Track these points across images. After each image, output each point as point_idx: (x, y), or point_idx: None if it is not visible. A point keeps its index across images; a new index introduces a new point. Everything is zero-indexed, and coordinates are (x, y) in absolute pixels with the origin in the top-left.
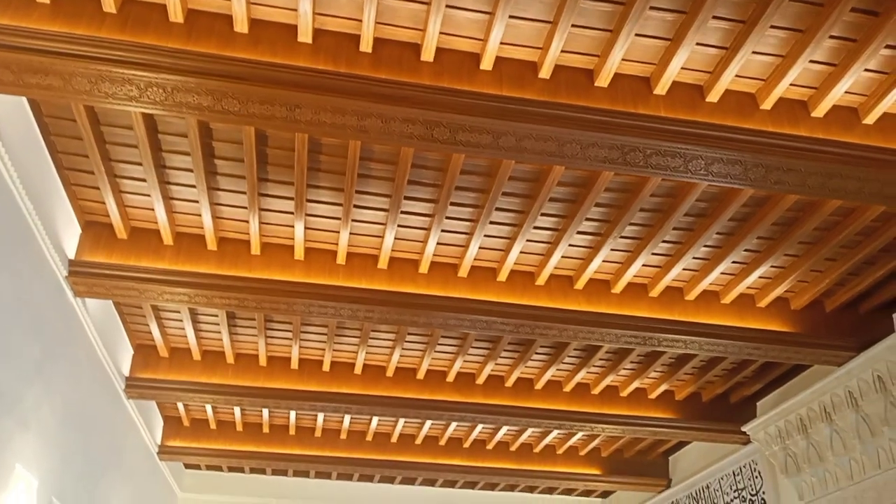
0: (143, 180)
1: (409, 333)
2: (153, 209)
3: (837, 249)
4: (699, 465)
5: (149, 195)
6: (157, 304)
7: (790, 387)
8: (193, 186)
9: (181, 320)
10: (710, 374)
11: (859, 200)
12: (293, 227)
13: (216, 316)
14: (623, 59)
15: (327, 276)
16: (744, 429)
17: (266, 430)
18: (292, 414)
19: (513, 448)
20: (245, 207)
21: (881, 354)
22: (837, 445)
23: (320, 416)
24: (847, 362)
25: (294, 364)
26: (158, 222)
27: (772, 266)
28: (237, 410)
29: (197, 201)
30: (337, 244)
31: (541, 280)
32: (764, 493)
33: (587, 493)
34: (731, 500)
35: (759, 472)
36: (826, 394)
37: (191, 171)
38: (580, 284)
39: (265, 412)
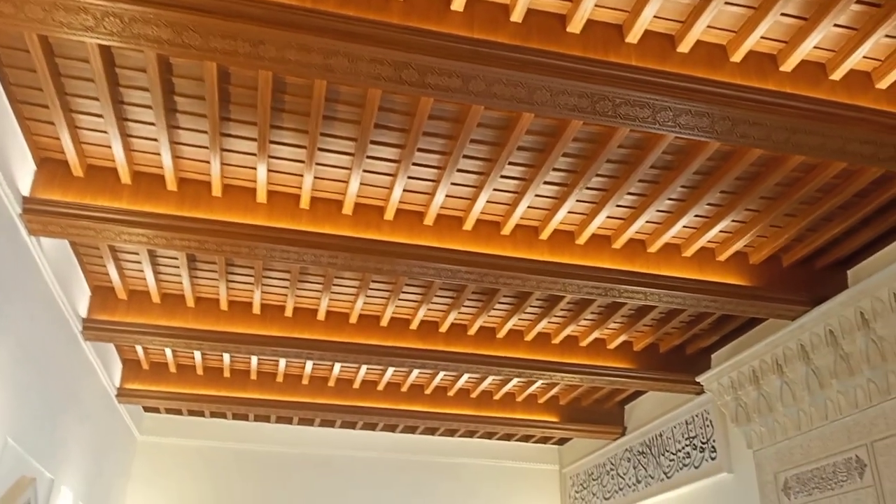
0: (100, 116)
1: (373, 281)
2: (110, 147)
3: (797, 205)
4: (653, 414)
5: (106, 132)
6: (115, 244)
7: (744, 339)
8: (152, 124)
9: (140, 262)
10: (668, 326)
11: (822, 156)
12: (255, 169)
13: (176, 259)
14: (596, 5)
15: (290, 220)
16: (698, 379)
17: (227, 374)
18: (254, 359)
19: (473, 395)
20: (206, 147)
21: (834, 310)
22: (787, 397)
23: (282, 362)
24: (800, 316)
25: (256, 309)
26: (116, 160)
27: (733, 220)
28: (197, 354)
29: (156, 140)
30: (301, 188)
31: (506, 230)
32: (714, 441)
33: (544, 440)
34: (683, 448)
35: (711, 422)
36: (779, 347)
37: (150, 108)
38: (545, 235)
39: (226, 357)
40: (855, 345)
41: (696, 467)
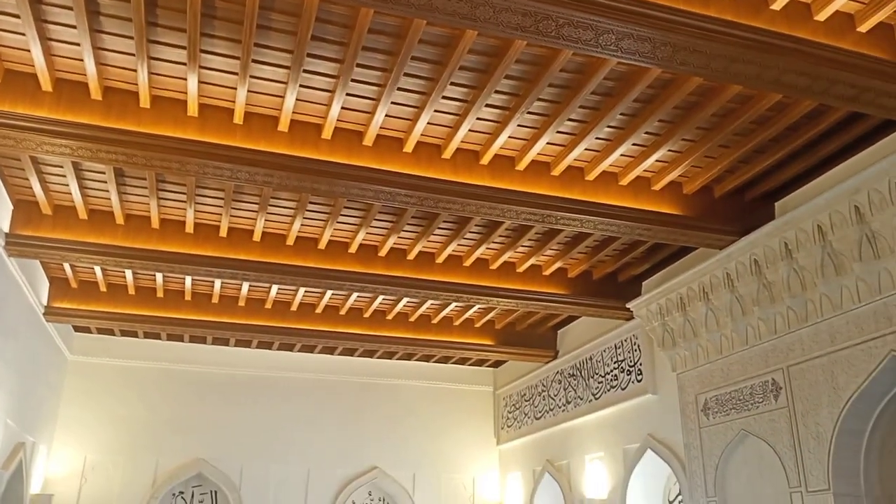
0: (17, 17)
1: (311, 202)
2: (29, 51)
3: (731, 137)
4: (585, 339)
5: (23, 34)
6: (37, 155)
7: (674, 268)
8: (74, 27)
9: (64, 175)
10: (602, 254)
11: (758, 87)
12: (186, 79)
13: (103, 173)
14: None
15: (223, 135)
16: (628, 306)
17: (160, 294)
18: (187, 279)
19: (412, 319)
20: (132, 54)
21: (760, 240)
22: (711, 323)
23: (217, 283)
24: (728, 246)
25: (189, 228)
26: (35, 65)
27: (669, 150)
28: (128, 273)
29: (78, 44)
30: (234, 102)
31: (447, 153)
32: (641, 364)
33: (480, 363)
34: (611, 371)
35: (638, 346)
36: (706, 275)
37: (70, 8)
38: (486, 160)
39: (159, 276)
40: (778, 274)
41: (622, 389)
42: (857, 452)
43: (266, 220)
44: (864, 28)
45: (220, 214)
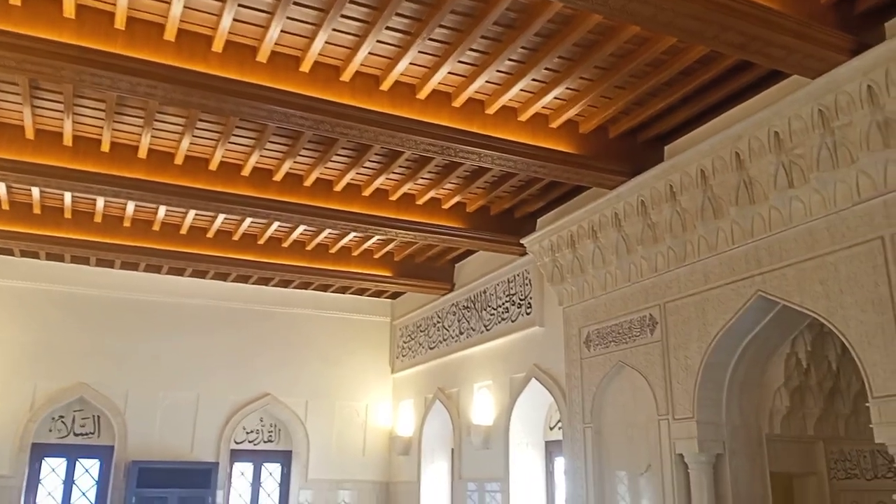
0: None
1: (201, 119)
2: None
3: (627, 78)
4: (480, 273)
5: None
6: None
7: (567, 206)
8: None
9: None
10: (500, 190)
11: (652, 28)
12: None
13: None
14: None
15: (103, 41)
16: (522, 241)
17: (38, 210)
18: (67, 195)
19: (309, 247)
20: None
21: (648, 182)
22: (598, 260)
23: (100, 201)
24: (618, 186)
25: (67, 140)
26: None
27: (567, 88)
28: (2, 187)
29: None
30: (115, 4)
31: (346, 76)
32: (531, 298)
33: (378, 294)
34: (503, 304)
35: (529, 281)
36: (596, 214)
37: None
38: (386, 86)
39: (35, 191)
40: (662, 215)
41: (512, 321)
42: (720, 384)
43: (152, 136)
44: None
45: (102, 128)
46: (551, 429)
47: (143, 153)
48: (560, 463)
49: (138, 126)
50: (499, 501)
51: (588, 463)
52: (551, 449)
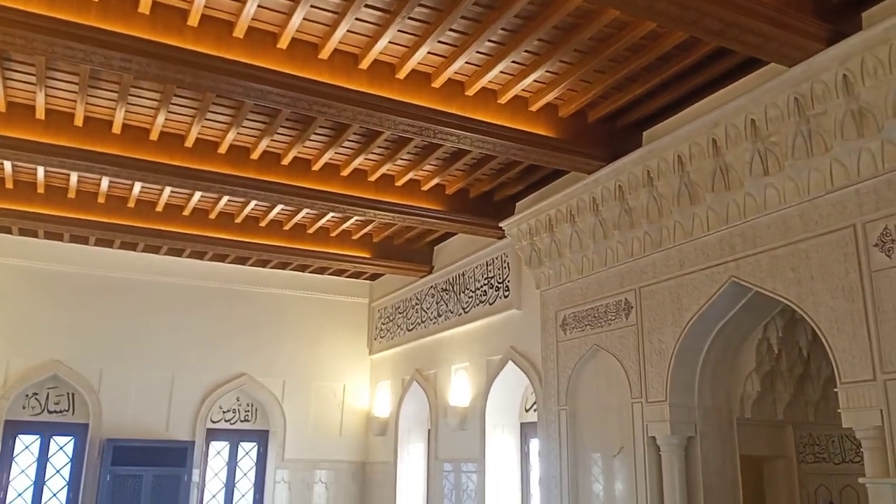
0: None
1: (177, 95)
2: None
3: (607, 62)
4: (458, 255)
5: None
6: None
7: (546, 190)
8: None
9: None
10: (479, 173)
11: (633, 12)
12: None
13: None
14: None
15: (76, 12)
16: (501, 225)
17: (10, 185)
18: (40, 170)
19: (286, 227)
20: None
21: (626, 167)
22: (575, 244)
23: (73, 176)
24: (596, 171)
25: (40, 114)
26: None
27: (547, 71)
28: None
29: None
30: None
31: (324, 53)
32: (509, 281)
33: (357, 275)
34: (481, 287)
35: (508, 264)
36: (574, 198)
37: None
38: (365, 64)
39: (7, 165)
40: (639, 200)
41: (490, 304)
42: (693, 368)
43: (127, 111)
44: None
45: (76, 101)
46: (527, 411)
47: (117, 128)
48: (535, 444)
49: (113, 100)
50: (474, 482)
51: (562, 445)
52: (527, 430)
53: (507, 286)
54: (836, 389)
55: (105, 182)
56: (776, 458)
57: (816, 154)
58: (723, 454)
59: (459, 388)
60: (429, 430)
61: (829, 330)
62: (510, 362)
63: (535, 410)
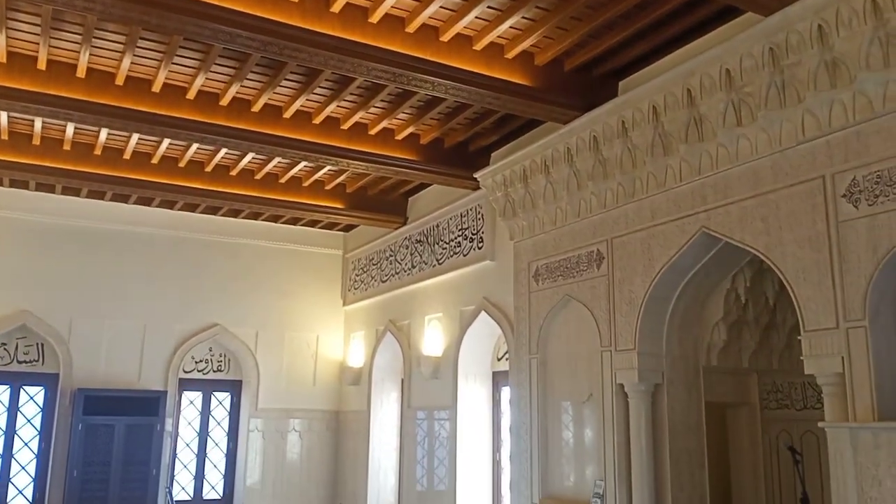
0: None
1: (143, 38)
2: None
3: (584, 9)
4: (433, 207)
5: None
6: None
7: (521, 141)
8: None
9: None
10: (454, 122)
11: None
12: None
13: None
14: None
15: None
16: (476, 175)
17: None
18: (3, 115)
19: (258, 176)
20: None
21: (601, 117)
22: (549, 195)
23: (38, 122)
24: (571, 121)
25: (1, 56)
26: None
27: (523, 17)
28: None
29: None
30: None
31: None
32: (483, 232)
33: (331, 226)
34: (455, 238)
35: (482, 215)
36: (549, 149)
37: None
38: (336, 7)
39: None
40: (613, 151)
41: (464, 255)
42: (662, 317)
43: (91, 54)
44: None
45: (38, 44)
46: (499, 360)
47: (81, 72)
48: (506, 393)
49: (76, 43)
50: (447, 429)
51: (533, 392)
52: (498, 379)
53: (481, 237)
54: (799, 337)
55: (70, 128)
56: (740, 405)
57: (789, 105)
58: (688, 401)
59: (433, 339)
60: (402, 380)
61: (796, 279)
62: (483, 312)
63: (506, 360)
